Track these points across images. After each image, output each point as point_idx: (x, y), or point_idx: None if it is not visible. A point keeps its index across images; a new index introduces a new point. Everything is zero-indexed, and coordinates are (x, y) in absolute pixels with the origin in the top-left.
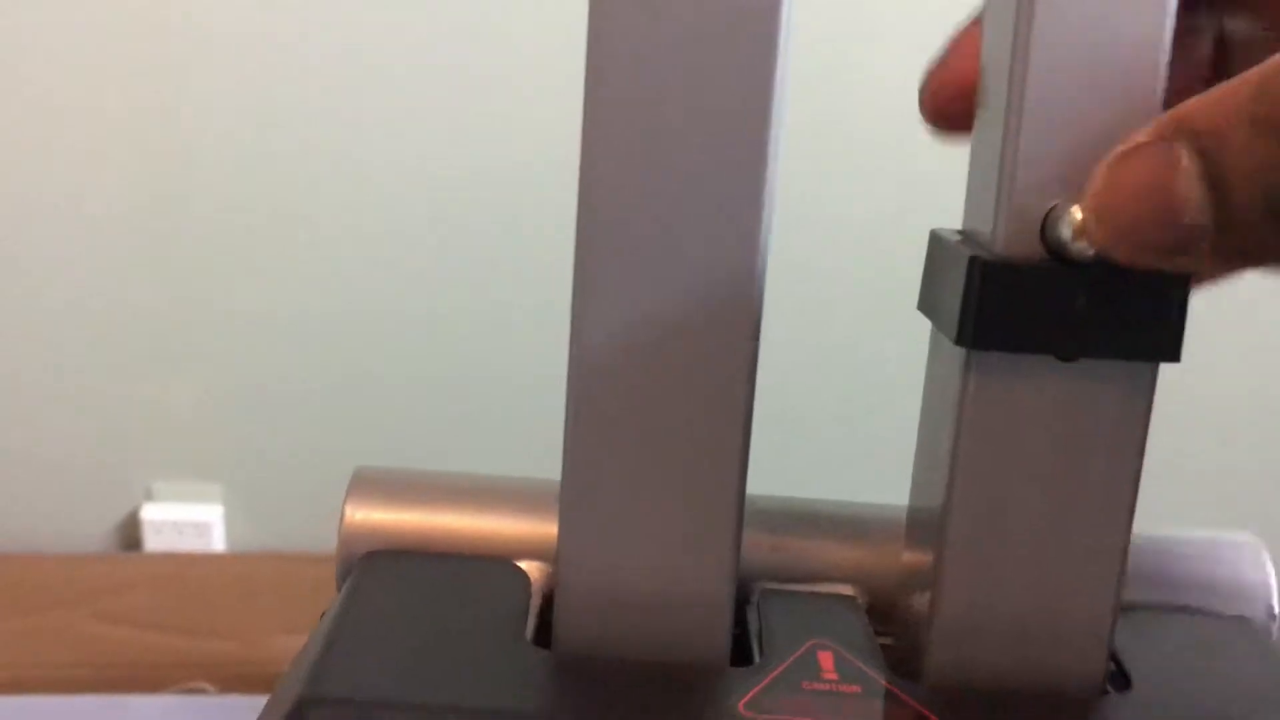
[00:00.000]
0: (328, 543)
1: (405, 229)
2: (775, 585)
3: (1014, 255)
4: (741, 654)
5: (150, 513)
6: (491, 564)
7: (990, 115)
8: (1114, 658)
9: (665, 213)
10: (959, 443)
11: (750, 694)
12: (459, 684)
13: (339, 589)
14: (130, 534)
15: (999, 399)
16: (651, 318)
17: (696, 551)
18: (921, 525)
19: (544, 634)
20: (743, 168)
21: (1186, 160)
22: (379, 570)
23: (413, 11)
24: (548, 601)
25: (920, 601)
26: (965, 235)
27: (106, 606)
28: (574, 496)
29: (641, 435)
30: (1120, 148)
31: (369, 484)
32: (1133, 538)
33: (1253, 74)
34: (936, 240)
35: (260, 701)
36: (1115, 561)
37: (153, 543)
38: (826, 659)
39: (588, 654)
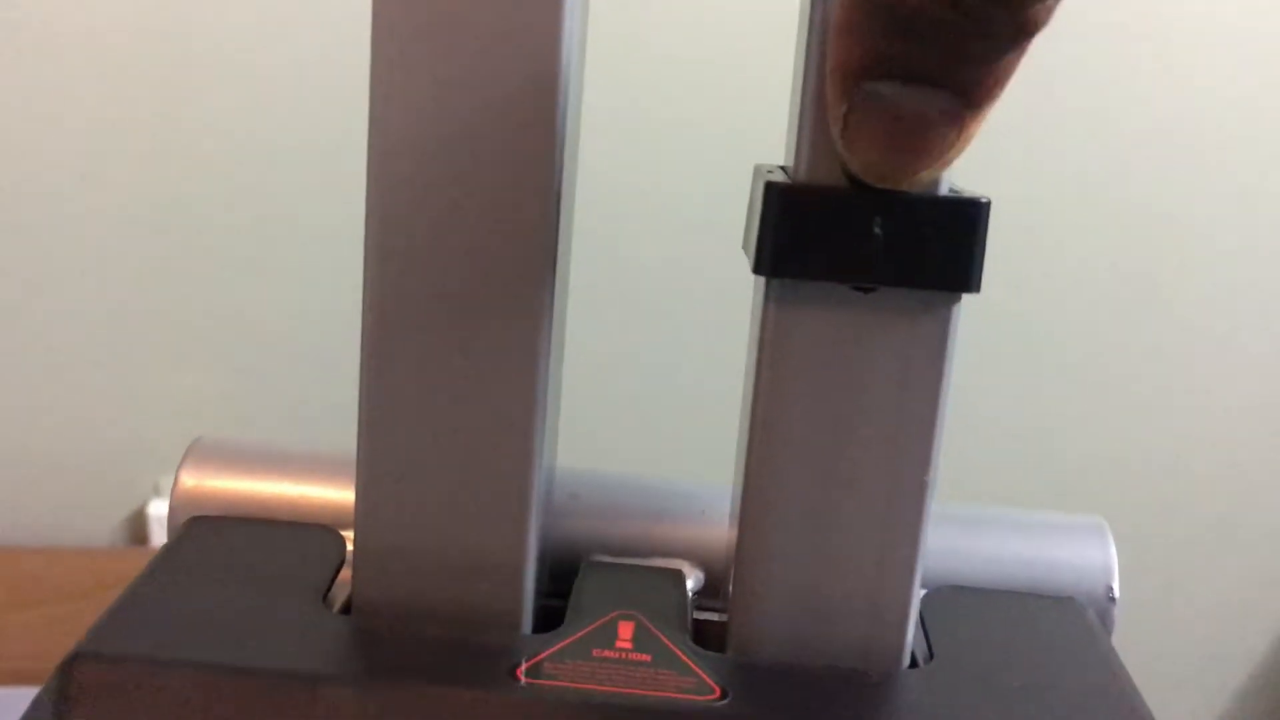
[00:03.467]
0: None
1: None
2: (605, 558)
3: (814, 183)
4: (558, 622)
5: (158, 508)
6: (309, 530)
7: (797, 49)
8: (926, 635)
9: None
10: (759, 379)
11: (534, 660)
12: (240, 644)
13: None
14: (138, 529)
15: (796, 330)
16: (446, 273)
17: (490, 519)
18: (735, 499)
19: None
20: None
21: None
22: (197, 534)
23: None
24: None
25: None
26: (782, 169)
27: (111, 600)
28: (369, 463)
29: (433, 404)
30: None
31: (206, 452)
32: (979, 515)
33: None
34: (755, 174)
35: None
36: (914, 540)
37: (159, 539)
38: (626, 629)
39: (385, 619)
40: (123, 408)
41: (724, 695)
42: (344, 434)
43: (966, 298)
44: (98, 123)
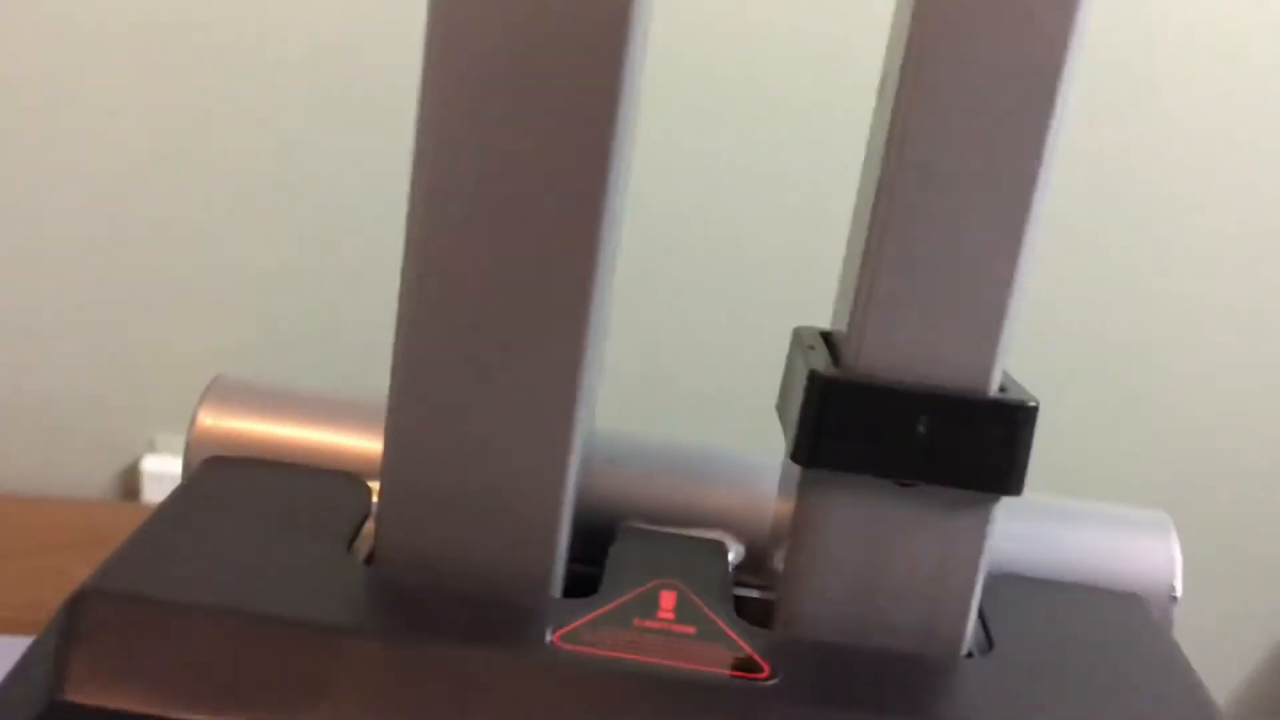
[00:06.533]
0: None
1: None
2: (642, 525)
3: (861, 372)
4: (589, 589)
5: (151, 464)
6: (333, 476)
7: (858, 208)
8: (984, 623)
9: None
10: (791, 551)
11: (571, 625)
12: (258, 590)
13: None
14: (131, 484)
15: (829, 516)
16: (495, 218)
17: (526, 475)
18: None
19: None
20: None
21: None
22: (217, 474)
23: None
24: None
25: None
26: (827, 337)
27: (103, 554)
28: (401, 409)
29: (474, 352)
30: None
31: (227, 391)
32: (1046, 507)
33: None
34: (795, 340)
35: None
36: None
37: (152, 494)
38: (669, 598)
39: (409, 572)
40: (120, 361)
41: (773, 674)
42: (347, 385)
43: None
44: (105, 62)
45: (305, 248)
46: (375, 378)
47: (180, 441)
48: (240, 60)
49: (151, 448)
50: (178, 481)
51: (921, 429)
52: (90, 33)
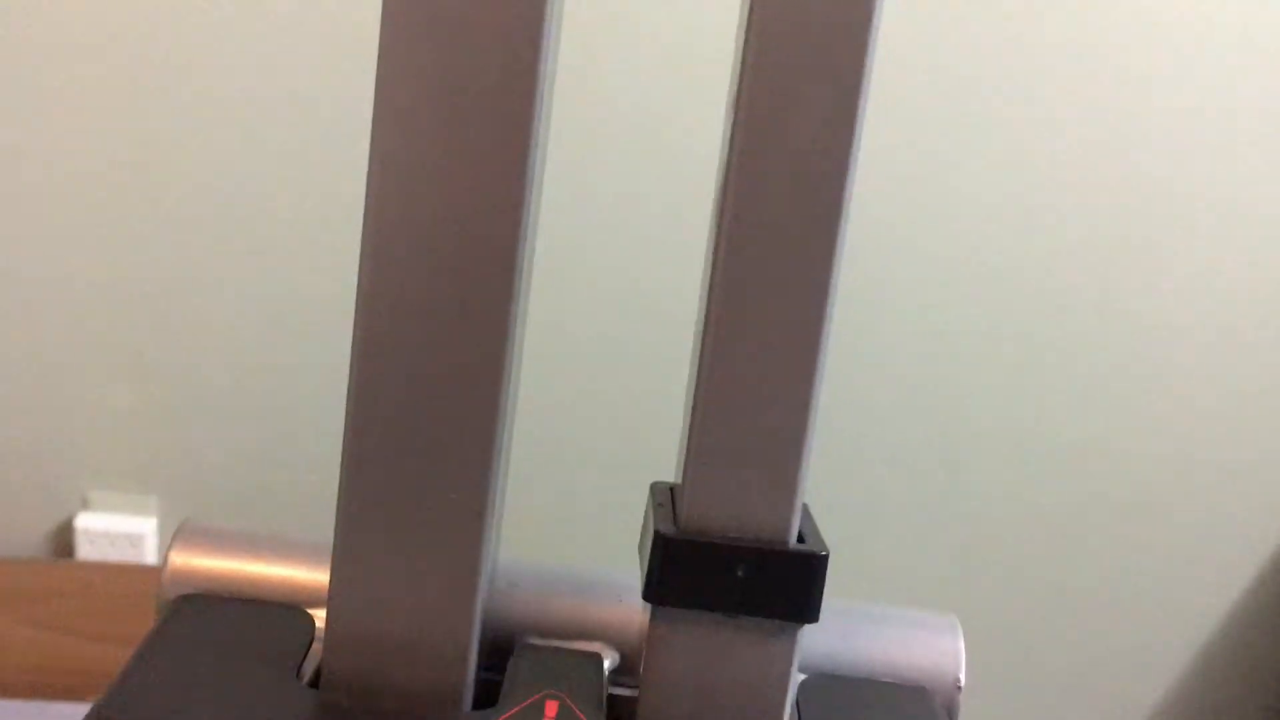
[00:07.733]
0: None
1: (347, 241)
2: (536, 641)
3: (692, 529)
4: (493, 696)
5: (85, 522)
6: (281, 609)
7: (692, 363)
8: (799, 716)
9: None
10: (645, 668)
11: None
12: (226, 713)
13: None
14: (64, 542)
15: (673, 641)
16: (408, 399)
17: (441, 612)
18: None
19: None
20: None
21: None
22: (185, 612)
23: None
24: None
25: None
26: (673, 492)
27: (36, 612)
28: (342, 563)
29: (400, 504)
30: None
31: (193, 533)
32: (845, 609)
33: None
34: (650, 495)
35: None
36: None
37: (85, 552)
38: (552, 707)
39: (348, 693)
40: (52, 418)
41: None
42: (288, 455)
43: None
44: (51, 120)
45: (244, 306)
46: (296, 445)
47: (113, 498)
48: (188, 115)
49: (85, 505)
50: (112, 539)
51: (740, 573)
52: (32, 77)
